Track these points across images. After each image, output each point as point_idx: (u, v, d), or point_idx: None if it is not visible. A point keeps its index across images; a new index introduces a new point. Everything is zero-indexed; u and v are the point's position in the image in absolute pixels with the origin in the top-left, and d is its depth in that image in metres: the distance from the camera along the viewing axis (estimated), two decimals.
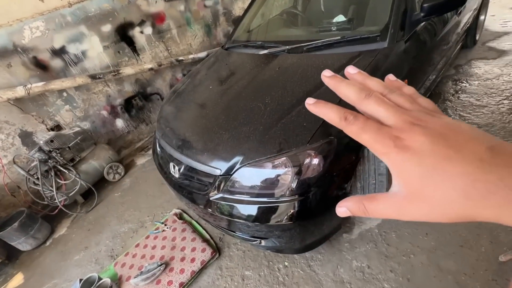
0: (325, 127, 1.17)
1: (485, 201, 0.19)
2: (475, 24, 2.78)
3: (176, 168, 1.52)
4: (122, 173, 2.79)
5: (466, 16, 2.32)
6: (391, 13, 1.50)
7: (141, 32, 2.98)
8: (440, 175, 0.20)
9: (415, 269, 1.34)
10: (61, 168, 2.35)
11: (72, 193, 2.39)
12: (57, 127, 2.58)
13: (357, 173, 1.32)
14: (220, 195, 1.31)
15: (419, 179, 0.21)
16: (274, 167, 1.20)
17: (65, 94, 2.56)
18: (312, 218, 1.22)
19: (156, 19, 3.08)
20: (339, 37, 1.57)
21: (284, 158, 1.17)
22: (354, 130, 0.25)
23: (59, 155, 2.34)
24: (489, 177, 0.19)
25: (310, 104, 0.29)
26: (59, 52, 2.46)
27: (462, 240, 1.40)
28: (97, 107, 2.81)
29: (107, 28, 2.70)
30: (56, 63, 2.46)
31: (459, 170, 0.20)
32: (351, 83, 0.28)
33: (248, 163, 1.22)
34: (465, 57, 2.92)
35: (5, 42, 2.16)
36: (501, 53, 2.80)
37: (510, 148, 0.20)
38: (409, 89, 0.29)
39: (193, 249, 1.71)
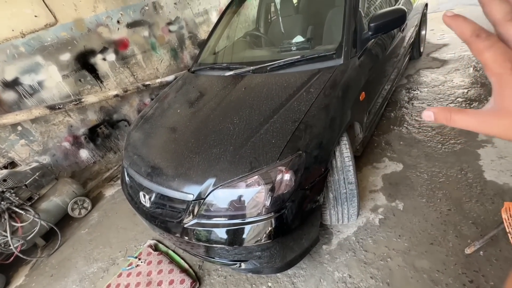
0: (292, 142, 1.20)
1: None
2: (418, 38, 3.11)
3: (147, 197, 1.46)
4: (89, 208, 2.59)
5: (409, 32, 2.59)
6: (343, 33, 1.63)
7: (104, 59, 2.91)
8: None
9: (393, 273, 1.38)
10: (17, 209, 2.12)
11: (31, 236, 2.15)
12: (11, 164, 2.36)
13: (328, 184, 1.36)
14: (195, 221, 1.27)
15: None
16: (248, 186, 1.19)
17: (19, 128, 2.37)
18: (290, 233, 1.22)
19: (119, 46, 3.04)
20: (298, 56, 1.66)
21: (256, 176, 1.17)
22: (481, 47, 0.25)
23: (13, 195, 2.12)
24: None
25: (448, 16, 0.28)
26: (12, 84, 2.30)
27: (431, 238, 1.47)
28: (57, 139, 2.63)
29: (66, 57, 2.60)
30: (9, 95, 2.29)
31: None
32: (501, 3, 0.26)
33: (221, 185, 1.20)
34: (414, 68, 3.23)
35: None
36: (443, 62, 3.15)
37: None
38: None
39: (171, 282, 1.61)
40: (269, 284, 1.52)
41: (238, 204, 1.21)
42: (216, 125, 1.46)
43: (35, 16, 2.36)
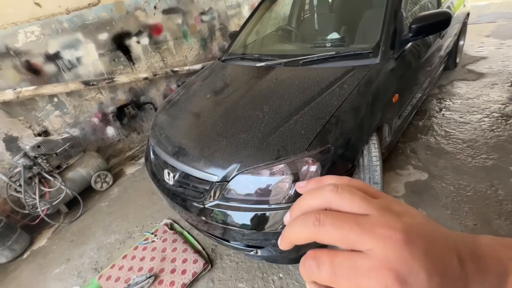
0: (322, 135, 1.20)
1: None
2: (455, 48, 2.99)
3: (171, 175, 1.50)
4: (110, 182, 2.70)
5: (448, 40, 2.49)
6: (382, 32, 1.59)
7: (138, 42, 3.01)
8: None
9: None
10: (46, 175, 2.25)
11: (56, 202, 2.28)
12: (45, 133, 2.50)
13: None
14: (216, 202, 1.29)
15: None
16: (272, 174, 1.20)
17: (55, 99, 2.51)
18: None
19: (154, 30, 3.13)
20: (333, 52, 1.65)
21: (282, 165, 1.18)
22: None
23: (45, 161, 2.25)
24: None
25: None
26: (53, 57, 2.43)
27: None
28: (88, 114, 2.76)
29: (103, 36, 2.71)
30: (49, 68, 2.43)
31: None
32: (293, 223, 0.24)
33: (245, 170, 1.22)
34: (447, 78, 3.11)
35: None
36: (480, 75, 3.00)
37: None
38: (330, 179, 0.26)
39: (184, 261, 1.65)
40: (280, 275, 1.52)
41: (260, 190, 1.23)
42: (245, 112, 1.48)
43: None
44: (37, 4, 2.25)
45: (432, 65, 2.25)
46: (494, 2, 5.77)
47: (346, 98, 1.32)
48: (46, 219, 2.22)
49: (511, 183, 1.69)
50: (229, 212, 1.27)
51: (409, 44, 1.70)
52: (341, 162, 1.23)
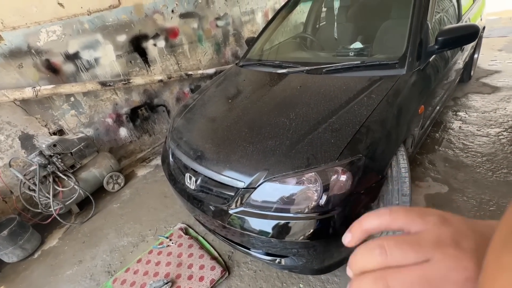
0: (353, 144, 1.19)
1: None
2: (471, 61, 2.99)
3: (193, 179, 1.48)
4: (122, 184, 2.68)
5: (466, 53, 2.50)
6: (408, 43, 1.59)
7: (154, 45, 3.03)
8: None
9: None
10: (60, 175, 2.24)
11: (69, 201, 2.26)
12: (60, 132, 2.50)
13: (381, 193, 1.33)
14: (242, 208, 1.27)
15: None
16: (301, 182, 1.19)
17: (72, 99, 2.51)
18: (335, 237, 1.19)
19: (170, 34, 3.16)
20: (359, 62, 1.64)
21: (313, 173, 1.16)
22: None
23: (60, 160, 2.24)
24: None
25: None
26: (72, 57, 2.45)
27: None
28: (102, 114, 2.76)
29: (122, 38, 2.73)
30: (68, 67, 2.44)
31: None
32: (360, 251, 0.26)
33: (274, 177, 1.20)
34: (462, 91, 3.10)
35: (20, 42, 2.14)
36: (495, 89, 3.00)
37: None
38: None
39: (202, 267, 1.62)
40: (301, 285, 1.49)
41: (288, 198, 1.21)
42: (271, 118, 1.47)
43: None
44: (60, 4, 2.28)
45: (452, 77, 2.25)
46: (504, 16, 5.81)
47: (376, 108, 1.31)
48: (58, 218, 2.20)
49: None
50: (254, 219, 1.25)
51: (433, 56, 1.70)
52: (371, 172, 1.21)
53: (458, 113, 2.72)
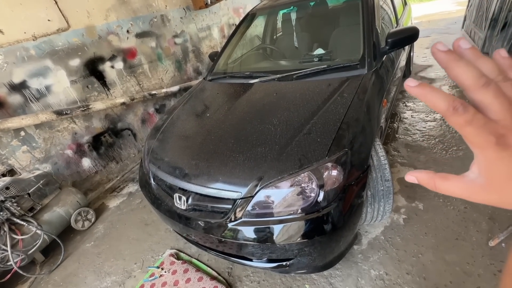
0: (338, 140, 1.27)
1: None
2: (409, 59, 3.44)
3: (183, 198, 1.42)
4: (93, 219, 2.43)
5: (406, 52, 2.87)
6: (365, 46, 1.78)
7: (112, 67, 2.87)
8: None
9: (427, 267, 1.44)
10: (18, 220, 1.94)
11: (32, 249, 1.96)
12: (10, 172, 2.18)
13: (368, 181, 1.43)
14: (242, 219, 1.26)
15: (506, 178, 0.24)
16: (298, 182, 1.23)
17: (22, 133, 2.23)
18: (338, 229, 1.25)
19: (127, 54, 3.03)
20: (325, 66, 1.79)
21: (307, 172, 1.21)
22: (461, 122, 0.24)
23: (15, 204, 1.95)
24: None
25: (412, 86, 0.25)
26: (19, 87, 2.19)
27: (455, 233, 1.57)
28: (60, 146, 2.49)
29: (75, 62, 2.54)
30: (15, 98, 2.17)
31: None
32: (468, 65, 0.24)
33: (270, 182, 1.23)
34: None
35: None
36: (431, 80, 3.48)
37: None
38: None
39: None
40: (306, 286, 1.51)
41: (287, 201, 1.24)
42: (255, 127, 1.50)
43: (49, 20, 2.32)
44: (0, 31, 2.04)
45: (399, 73, 2.56)
46: (423, 20, 6.82)
47: (350, 105, 1.43)
48: (21, 272, 1.89)
49: None
50: (256, 227, 1.25)
51: (385, 56, 1.93)
52: (357, 164, 1.31)
53: (407, 104, 3.08)
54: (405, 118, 2.80)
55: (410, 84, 0.25)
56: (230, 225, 1.29)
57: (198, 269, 1.70)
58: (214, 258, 1.76)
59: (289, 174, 1.22)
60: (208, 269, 1.70)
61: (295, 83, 1.81)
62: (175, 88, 3.50)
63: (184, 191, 1.44)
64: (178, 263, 1.75)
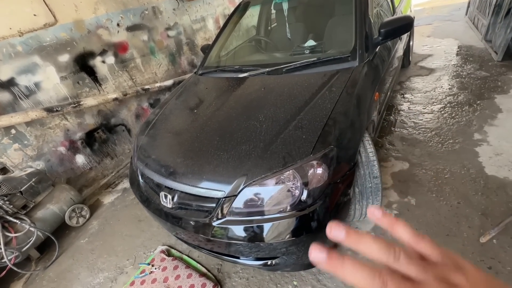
0: (323, 137, 1.24)
1: None
2: (408, 48, 3.34)
3: (169, 197, 1.41)
4: (88, 216, 2.44)
5: (403, 41, 2.78)
6: (356, 37, 1.72)
7: (103, 62, 2.83)
8: None
9: None
10: (11, 218, 1.95)
11: (26, 247, 1.99)
12: (2, 170, 2.19)
13: (355, 178, 1.40)
14: (226, 218, 1.25)
15: None
16: (282, 181, 1.20)
17: (13, 131, 2.22)
18: (323, 228, 1.23)
19: (119, 49, 2.97)
20: (315, 58, 1.73)
21: (291, 170, 1.18)
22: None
23: (7, 202, 1.96)
24: None
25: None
26: (7, 85, 2.17)
27: (446, 229, 1.55)
28: (53, 144, 2.49)
29: (64, 58, 2.50)
30: (3, 96, 2.15)
31: None
32: (355, 270, 0.26)
33: (254, 181, 1.20)
34: (405, 75, 3.44)
35: None
36: (431, 70, 3.39)
37: None
38: (403, 229, 0.30)
39: (191, 287, 1.55)
40: (295, 283, 1.51)
41: (271, 200, 1.21)
42: (241, 123, 1.46)
43: (34, 15, 2.27)
44: None
45: (396, 64, 2.48)
46: (426, 7, 6.61)
47: (338, 100, 1.38)
48: (15, 269, 1.92)
49: (479, 162, 1.91)
50: (240, 227, 1.23)
51: (379, 46, 1.86)
52: (344, 161, 1.27)
53: (405, 95, 3.00)
54: (402, 110, 2.74)
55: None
56: (214, 224, 1.27)
57: (188, 265, 1.70)
58: (204, 254, 1.77)
59: (273, 172, 1.19)
60: (198, 266, 1.71)
61: (284, 76, 1.76)
62: (169, 82, 3.45)
63: (170, 190, 1.42)
64: (169, 259, 1.76)
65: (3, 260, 1.88)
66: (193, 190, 1.32)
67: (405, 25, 1.67)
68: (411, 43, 3.57)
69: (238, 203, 1.23)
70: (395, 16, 1.74)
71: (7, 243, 1.91)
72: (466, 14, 4.79)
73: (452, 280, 0.25)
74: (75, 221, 2.37)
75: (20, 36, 2.20)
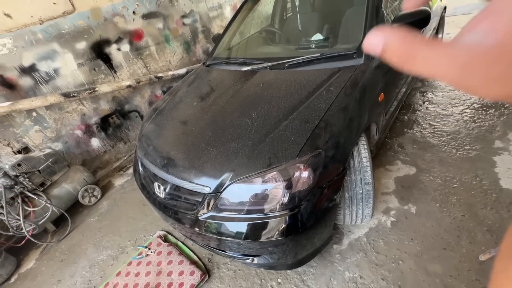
0: (312, 140, 1.20)
1: None
2: None
3: (161, 188, 1.46)
4: (99, 196, 2.62)
5: (427, 34, 2.55)
6: (365, 32, 1.61)
7: (118, 49, 2.92)
8: None
9: (405, 275, 1.37)
10: (30, 194, 2.15)
11: (42, 220, 2.19)
12: (25, 150, 2.39)
13: (345, 184, 1.36)
14: (210, 213, 1.27)
15: None
16: (265, 182, 1.20)
17: (34, 114, 2.40)
18: (304, 231, 1.22)
19: (134, 36, 3.04)
20: (318, 54, 1.65)
21: (275, 172, 1.17)
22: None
23: (27, 179, 2.15)
24: None
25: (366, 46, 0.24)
26: (29, 70, 2.32)
27: (444, 242, 1.46)
28: (70, 127, 2.66)
29: (82, 45, 2.61)
30: (25, 81, 2.31)
31: None
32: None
33: (238, 179, 1.21)
34: None
35: None
36: None
37: None
38: None
39: (181, 273, 1.62)
40: (279, 280, 1.52)
41: (254, 199, 1.22)
42: (234, 120, 1.46)
43: (54, 3, 2.37)
44: (7, 15, 2.14)
45: None
46: None
47: (334, 101, 1.32)
48: (33, 239, 2.13)
49: (494, 173, 1.76)
50: (223, 223, 1.26)
51: None
52: (332, 165, 1.23)
53: (425, 94, 2.79)
54: (419, 111, 2.56)
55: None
56: (200, 217, 1.31)
57: (181, 252, 1.78)
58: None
59: (257, 172, 1.19)
60: (191, 253, 1.78)
61: (286, 72, 1.71)
62: (182, 71, 3.49)
63: (163, 181, 1.47)
64: (164, 245, 1.85)
65: (22, 231, 2.09)
66: (182, 183, 1.36)
67: (421, 19, 1.53)
68: (439, 35, 3.27)
69: (223, 200, 1.25)
70: (410, 10, 1.58)
71: (26, 216, 2.12)
72: None
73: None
74: (88, 200, 2.55)
75: (40, 24, 2.32)
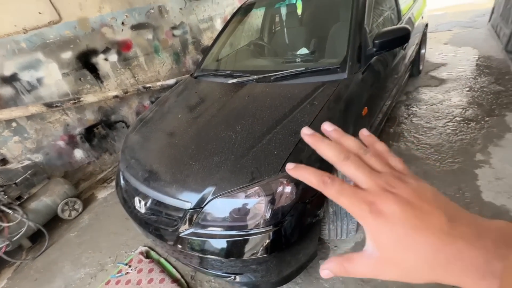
0: (295, 154, 1.19)
1: (446, 270, 0.21)
2: (418, 57, 3.17)
3: (142, 202, 1.42)
4: (80, 209, 2.52)
5: (410, 50, 2.64)
6: (348, 48, 1.64)
7: (106, 59, 2.89)
8: (409, 243, 0.22)
9: None
10: (4, 209, 2.04)
11: (17, 236, 2.07)
12: (2, 161, 2.29)
13: (327, 198, 1.34)
14: (191, 230, 1.23)
15: (391, 245, 0.23)
16: (247, 196, 1.17)
17: (14, 124, 2.32)
18: (288, 248, 1.19)
19: (122, 47, 3.03)
20: (303, 68, 1.67)
21: (257, 187, 1.15)
22: (333, 193, 0.26)
23: (2, 193, 2.05)
24: (448, 248, 0.21)
25: (290, 169, 0.29)
26: (10, 80, 2.26)
27: None
28: (52, 138, 2.58)
29: (67, 55, 2.58)
30: (6, 91, 2.25)
31: (423, 240, 0.22)
32: (330, 144, 0.28)
33: (220, 194, 1.18)
34: (413, 85, 3.28)
35: None
36: (441, 81, 3.21)
37: (468, 219, 0.22)
38: (381, 146, 0.31)
39: None
40: None
41: (236, 215, 1.19)
42: (218, 133, 1.44)
43: (39, 13, 2.35)
44: None
45: (398, 74, 2.36)
46: (449, 11, 6.27)
47: (317, 115, 1.33)
48: (5, 257, 2.01)
49: (476, 186, 1.78)
50: (205, 239, 1.22)
51: (375, 57, 1.77)
52: None
53: (410, 107, 2.86)
54: (403, 123, 2.61)
55: (289, 167, 0.29)
56: (180, 234, 1.26)
57: (163, 270, 1.71)
58: None
59: (239, 187, 1.16)
60: (173, 271, 1.71)
61: (271, 85, 1.72)
62: (171, 81, 3.48)
63: (144, 195, 1.43)
64: (146, 261, 1.77)
65: None
66: (163, 198, 1.32)
67: (401, 36, 1.58)
68: (422, 51, 3.39)
69: (203, 216, 1.21)
70: (391, 27, 1.64)
71: None
72: (489, 21, 4.50)
73: (391, 189, 0.24)
74: (68, 214, 2.45)
75: (24, 33, 2.28)
